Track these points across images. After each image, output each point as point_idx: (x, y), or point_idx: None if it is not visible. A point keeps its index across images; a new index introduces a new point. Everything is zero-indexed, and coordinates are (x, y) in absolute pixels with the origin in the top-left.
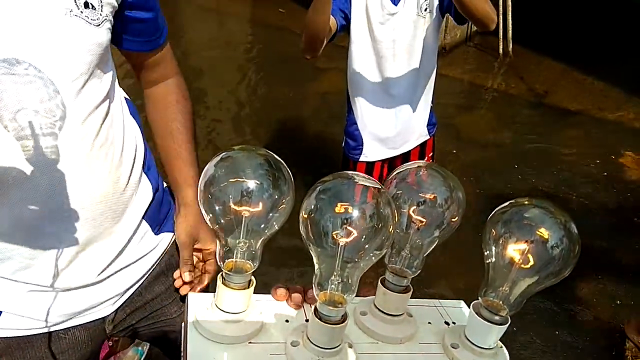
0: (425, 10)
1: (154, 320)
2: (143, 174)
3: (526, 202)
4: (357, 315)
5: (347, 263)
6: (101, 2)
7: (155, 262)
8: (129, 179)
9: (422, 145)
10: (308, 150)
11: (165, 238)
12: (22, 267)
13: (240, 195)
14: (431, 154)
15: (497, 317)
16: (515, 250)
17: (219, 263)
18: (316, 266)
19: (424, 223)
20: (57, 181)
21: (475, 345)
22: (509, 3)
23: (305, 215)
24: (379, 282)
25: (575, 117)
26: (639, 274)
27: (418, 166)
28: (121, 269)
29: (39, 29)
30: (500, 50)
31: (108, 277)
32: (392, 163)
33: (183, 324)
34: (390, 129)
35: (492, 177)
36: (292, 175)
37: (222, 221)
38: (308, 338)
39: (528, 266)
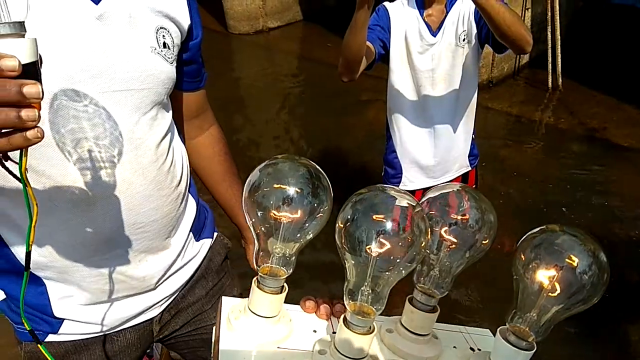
0: (464, 40)
1: (195, 326)
2: (188, 191)
3: (557, 229)
4: (383, 332)
5: (378, 274)
6: (173, 43)
7: (198, 267)
8: (183, 196)
9: (464, 176)
10: (349, 179)
11: (205, 244)
12: (90, 276)
13: (281, 202)
14: (474, 186)
15: (524, 343)
16: (544, 276)
17: (255, 267)
18: (348, 275)
19: (455, 244)
20: (134, 200)
21: None
22: (558, 36)
23: (341, 225)
24: (407, 301)
25: (628, 153)
26: None
27: (451, 188)
28: (171, 275)
29: (129, 64)
30: (550, 84)
31: (161, 283)
32: None
33: (215, 327)
34: (429, 157)
35: (539, 212)
36: (333, 200)
37: (263, 227)
38: (335, 347)
39: (556, 293)
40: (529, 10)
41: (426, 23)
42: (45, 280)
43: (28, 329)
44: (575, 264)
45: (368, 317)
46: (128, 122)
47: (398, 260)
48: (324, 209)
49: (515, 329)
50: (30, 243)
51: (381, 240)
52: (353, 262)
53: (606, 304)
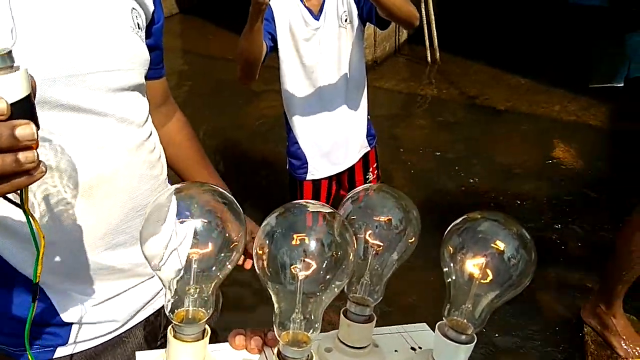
0: (346, 21)
1: None
2: None
3: (478, 216)
4: (322, 353)
5: (308, 297)
6: (144, 24)
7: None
8: (167, 177)
9: (365, 157)
10: (252, 175)
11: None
12: (95, 270)
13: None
14: (375, 164)
15: (463, 337)
16: (473, 265)
17: (167, 314)
18: (275, 305)
19: (381, 247)
20: (132, 181)
21: None
22: (432, 12)
23: (260, 252)
24: (341, 314)
25: (506, 115)
26: (587, 260)
27: (369, 189)
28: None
29: (116, 43)
30: (429, 59)
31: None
32: (339, 180)
33: None
34: (329, 141)
35: (436, 182)
36: (239, 203)
37: (169, 267)
38: None
39: (488, 280)
40: None
41: (307, 8)
42: (45, 288)
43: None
44: (502, 249)
45: (304, 346)
46: (119, 102)
47: (328, 277)
48: (238, 237)
49: (452, 323)
50: (38, 275)
51: (306, 260)
52: (278, 288)
53: None
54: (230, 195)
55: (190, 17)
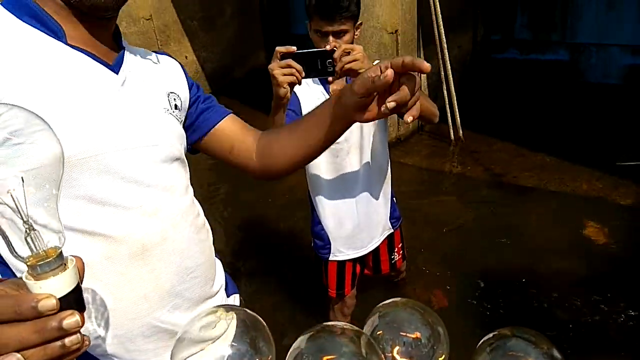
0: None
1: None
2: None
3: (508, 333)
4: None
5: None
6: (183, 105)
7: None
8: (212, 243)
9: (390, 237)
10: (280, 250)
11: (236, 298)
12: (153, 336)
13: None
14: (400, 244)
15: None
16: None
17: None
18: None
19: None
20: (182, 244)
21: None
22: (453, 92)
23: None
24: None
25: (534, 193)
26: (628, 345)
27: (396, 304)
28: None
29: (151, 122)
30: (452, 136)
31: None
32: (363, 260)
33: None
34: (352, 226)
35: (464, 261)
36: (267, 277)
37: None
38: None
39: None
40: None
41: None
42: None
43: None
44: None
45: None
46: (162, 173)
47: None
48: None
49: None
50: None
51: None
52: None
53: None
54: (259, 319)
55: (222, 97)
